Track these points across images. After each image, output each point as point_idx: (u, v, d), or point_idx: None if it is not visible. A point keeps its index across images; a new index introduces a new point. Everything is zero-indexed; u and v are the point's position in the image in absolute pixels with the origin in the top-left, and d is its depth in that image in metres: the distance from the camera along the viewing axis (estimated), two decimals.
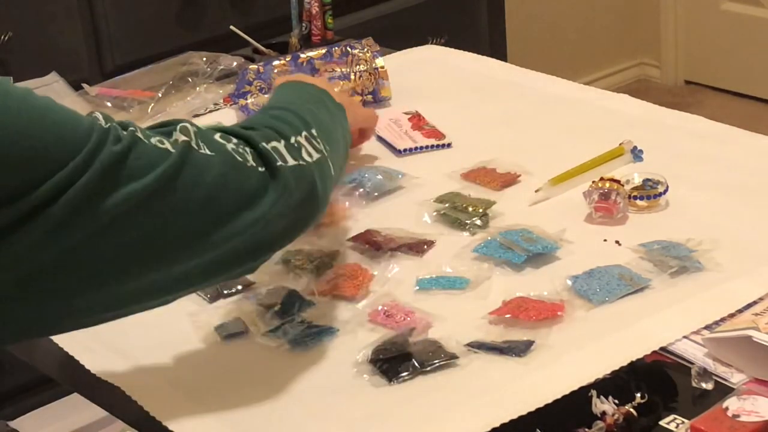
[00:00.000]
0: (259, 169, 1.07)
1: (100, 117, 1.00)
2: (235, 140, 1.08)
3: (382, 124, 1.67)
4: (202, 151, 1.04)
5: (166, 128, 1.04)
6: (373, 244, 1.35)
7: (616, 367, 1.10)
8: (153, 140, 1.01)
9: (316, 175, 1.14)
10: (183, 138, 1.03)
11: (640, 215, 1.39)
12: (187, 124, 1.05)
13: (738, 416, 1.02)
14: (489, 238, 1.34)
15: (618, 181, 1.39)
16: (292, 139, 1.14)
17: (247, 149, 1.08)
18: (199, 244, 1.03)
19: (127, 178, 0.97)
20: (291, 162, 1.11)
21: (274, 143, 1.11)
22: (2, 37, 2.31)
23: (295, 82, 1.35)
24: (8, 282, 0.94)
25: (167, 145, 1.01)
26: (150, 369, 1.19)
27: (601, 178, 1.40)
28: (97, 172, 0.96)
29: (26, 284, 0.95)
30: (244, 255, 1.08)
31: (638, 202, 1.39)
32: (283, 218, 1.09)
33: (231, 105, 1.78)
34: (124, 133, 0.99)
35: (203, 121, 1.74)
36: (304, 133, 1.16)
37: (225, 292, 1.29)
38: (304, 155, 1.13)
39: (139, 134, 1.00)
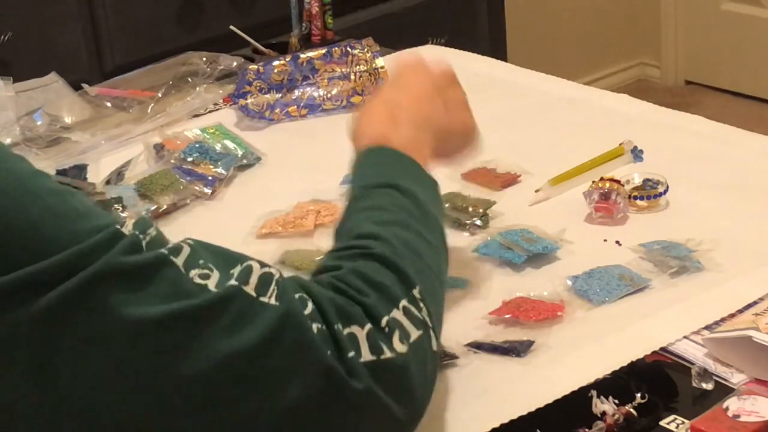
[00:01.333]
0: (325, 349, 0.86)
1: (129, 224, 0.83)
2: (309, 308, 0.87)
3: None
4: (262, 299, 0.84)
5: (232, 260, 0.86)
6: None
7: (616, 367, 1.10)
8: (193, 272, 0.83)
9: (410, 365, 0.91)
10: (234, 282, 0.84)
11: (640, 215, 1.39)
12: (257, 265, 0.86)
13: (738, 416, 1.02)
14: (489, 238, 1.34)
15: (618, 181, 1.39)
16: (384, 320, 0.91)
17: (315, 325, 0.86)
18: (212, 415, 0.82)
19: (125, 301, 0.79)
20: (367, 357, 0.88)
21: (354, 328, 0.89)
22: (2, 37, 2.31)
23: (387, 156, 1.11)
24: None
25: (209, 282, 0.83)
26: None
27: (601, 178, 1.40)
28: (85, 281, 0.78)
29: None
30: None
31: (638, 202, 1.39)
32: (361, 419, 0.88)
33: (231, 105, 1.78)
34: (157, 251, 0.82)
35: (203, 122, 1.74)
36: (403, 303, 0.93)
37: None
38: (396, 342, 0.90)
39: (178, 259, 0.82)
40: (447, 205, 1.42)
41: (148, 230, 0.83)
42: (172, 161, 1.54)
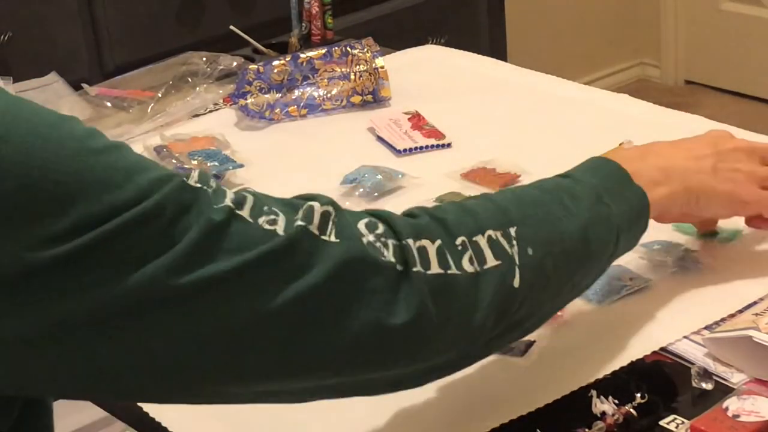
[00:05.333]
0: (398, 267, 0.88)
1: (195, 175, 0.84)
2: (380, 229, 0.89)
3: (382, 124, 1.67)
4: (324, 237, 0.86)
5: (293, 204, 0.88)
6: None
7: (616, 367, 1.10)
8: (261, 219, 0.84)
9: (477, 288, 0.92)
10: (300, 222, 0.85)
11: None
12: (317, 204, 0.88)
13: (738, 416, 1.02)
14: None
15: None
16: (459, 239, 0.92)
17: (390, 241, 0.89)
18: (293, 350, 0.85)
19: (205, 258, 0.81)
20: (434, 269, 0.90)
21: (424, 241, 0.91)
22: (2, 37, 2.31)
23: (597, 159, 1.11)
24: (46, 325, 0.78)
25: (278, 227, 0.84)
26: None
27: None
28: (154, 237, 0.79)
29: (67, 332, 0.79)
30: (360, 368, 0.89)
31: None
32: (418, 339, 0.89)
33: (231, 105, 1.78)
34: (223, 203, 0.83)
35: (203, 122, 1.74)
36: (489, 232, 0.94)
37: None
38: (465, 262, 0.92)
39: (244, 211, 0.84)
40: None
41: (210, 182, 0.85)
42: (174, 161, 1.54)
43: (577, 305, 1.21)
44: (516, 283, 0.95)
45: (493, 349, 1.00)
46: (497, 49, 2.96)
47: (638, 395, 1.05)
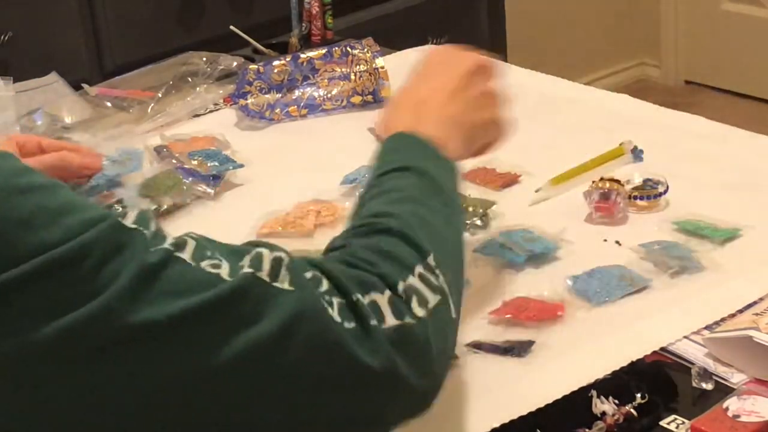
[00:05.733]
0: (345, 324, 0.84)
1: (133, 216, 0.79)
2: (325, 286, 0.85)
3: None
4: (277, 284, 0.81)
5: (238, 251, 0.83)
6: None
7: (616, 367, 1.10)
8: (204, 263, 0.79)
9: (429, 332, 0.89)
10: (247, 270, 0.80)
11: (640, 215, 1.39)
12: (266, 250, 0.83)
13: (738, 416, 1.02)
14: (489, 238, 1.34)
15: (618, 181, 1.39)
16: (401, 287, 0.89)
17: (335, 300, 0.84)
18: (237, 406, 0.80)
19: (138, 304, 0.75)
20: (391, 322, 0.87)
21: (374, 295, 0.87)
22: (2, 37, 2.31)
23: (403, 141, 1.10)
24: None
25: (222, 271, 0.79)
26: None
27: (602, 178, 1.40)
28: (79, 282, 0.74)
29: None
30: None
31: (638, 202, 1.39)
32: (379, 398, 0.86)
33: (231, 105, 1.78)
34: (161, 246, 0.78)
35: (203, 122, 1.74)
36: (418, 270, 0.92)
37: None
38: (415, 307, 0.89)
39: (184, 254, 0.79)
40: None
41: (150, 224, 0.80)
42: (174, 161, 1.54)
43: (577, 305, 1.21)
44: (453, 313, 0.94)
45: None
46: (497, 49, 2.95)
47: (638, 395, 1.05)
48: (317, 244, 1.36)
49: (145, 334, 0.75)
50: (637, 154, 1.52)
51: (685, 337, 1.15)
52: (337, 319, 0.83)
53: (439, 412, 1.08)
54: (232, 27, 2.03)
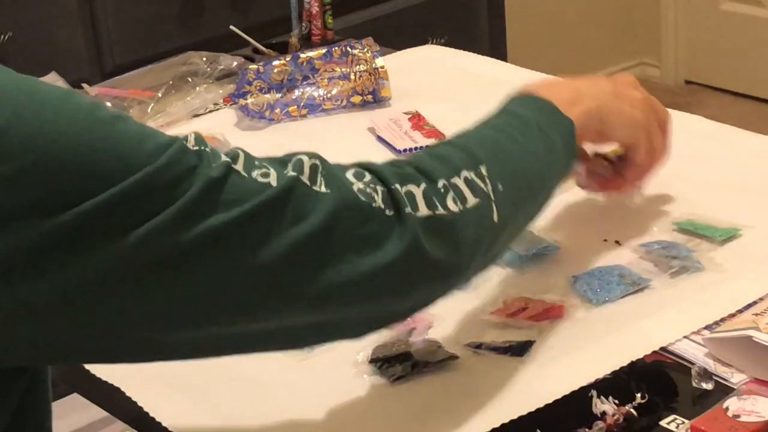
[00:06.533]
0: (387, 212, 0.94)
1: (191, 139, 0.88)
2: (368, 177, 0.95)
3: (383, 124, 1.67)
4: (315, 187, 0.91)
5: (281, 160, 0.93)
6: None
7: (616, 367, 1.10)
8: (255, 173, 0.89)
9: (459, 228, 0.98)
10: (292, 173, 0.91)
11: (641, 214, 1.39)
12: (305, 157, 0.93)
13: (738, 416, 1.02)
14: None
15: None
16: (440, 183, 0.98)
17: (378, 188, 0.95)
18: (291, 294, 0.91)
19: (205, 212, 0.85)
20: (423, 211, 0.96)
21: (410, 186, 0.96)
22: (2, 37, 2.31)
23: (522, 96, 1.17)
24: (55, 297, 0.83)
25: (271, 179, 0.89)
26: (150, 369, 1.18)
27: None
28: (159, 197, 0.84)
29: (74, 305, 0.84)
30: (355, 304, 0.94)
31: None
32: (409, 275, 0.95)
33: (231, 105, 1.78)
34: (221, 161, 0.88)
35: (203, 122, 1.74)
36: (464, 174, 1.00)
37: None
38: (449, 203, 0.98)
39: (238, 166, 0.89)
40: None
41: (207, 144, 0.89)
42: None
43: (577, 305, 1.21)
44: (495, 218, 1.02)
45: (469, 281, 1.07)
46: (497, 49, 2.96)
47: (638, 395, 1.05)
48: None
49: (212, 238, 0.85)
50: None
51: (685, 337, 1.15)
52: (381, 205, 0.94)
53: (439, 412, 1.08)
54: (232, 27, 2.03)
